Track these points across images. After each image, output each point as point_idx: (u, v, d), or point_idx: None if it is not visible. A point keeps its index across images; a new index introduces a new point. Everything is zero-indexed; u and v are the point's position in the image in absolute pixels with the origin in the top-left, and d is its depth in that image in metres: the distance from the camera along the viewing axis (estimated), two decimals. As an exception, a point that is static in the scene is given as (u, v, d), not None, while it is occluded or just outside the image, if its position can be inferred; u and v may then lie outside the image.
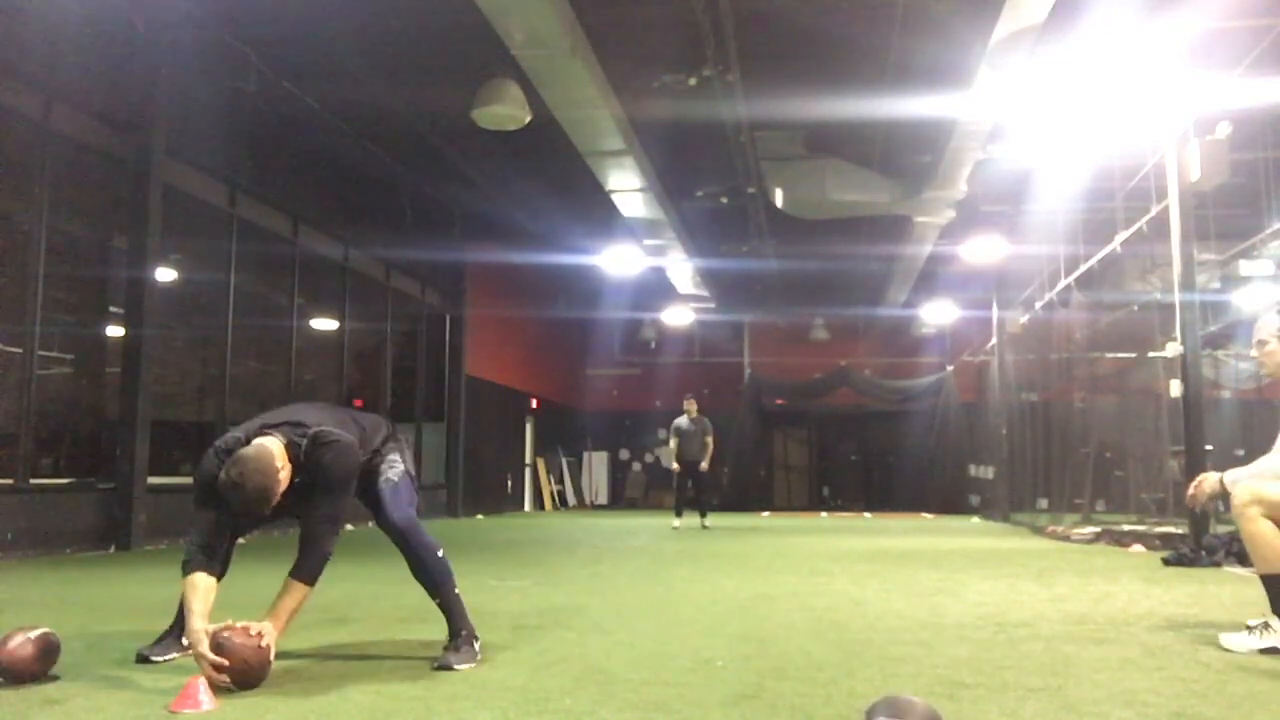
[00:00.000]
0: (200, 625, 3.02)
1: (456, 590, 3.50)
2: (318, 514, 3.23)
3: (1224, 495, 3.86)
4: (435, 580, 3.45)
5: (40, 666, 3.05)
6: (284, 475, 3.13)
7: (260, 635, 2.99)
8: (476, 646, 3.41)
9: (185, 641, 3.38)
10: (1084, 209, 11.84)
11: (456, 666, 3.26)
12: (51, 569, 7.00)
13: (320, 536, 3.22)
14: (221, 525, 3.27)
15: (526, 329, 20.48)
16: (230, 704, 2.73)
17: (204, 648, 2.92)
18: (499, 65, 9.41)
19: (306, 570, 3.18)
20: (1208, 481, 3.89)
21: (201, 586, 3.14)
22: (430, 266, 15.77)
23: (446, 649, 3.38)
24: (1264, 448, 3.82)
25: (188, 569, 3.18)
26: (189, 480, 11.89)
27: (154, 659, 3.39)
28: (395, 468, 3.53)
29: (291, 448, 3.20)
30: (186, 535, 3.26)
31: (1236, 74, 8.97)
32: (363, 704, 2.75)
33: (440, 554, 3.46)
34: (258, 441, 3.15)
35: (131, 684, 3.03)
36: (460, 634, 3.42)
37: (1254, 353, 4.06)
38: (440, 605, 3.48)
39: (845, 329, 23.29)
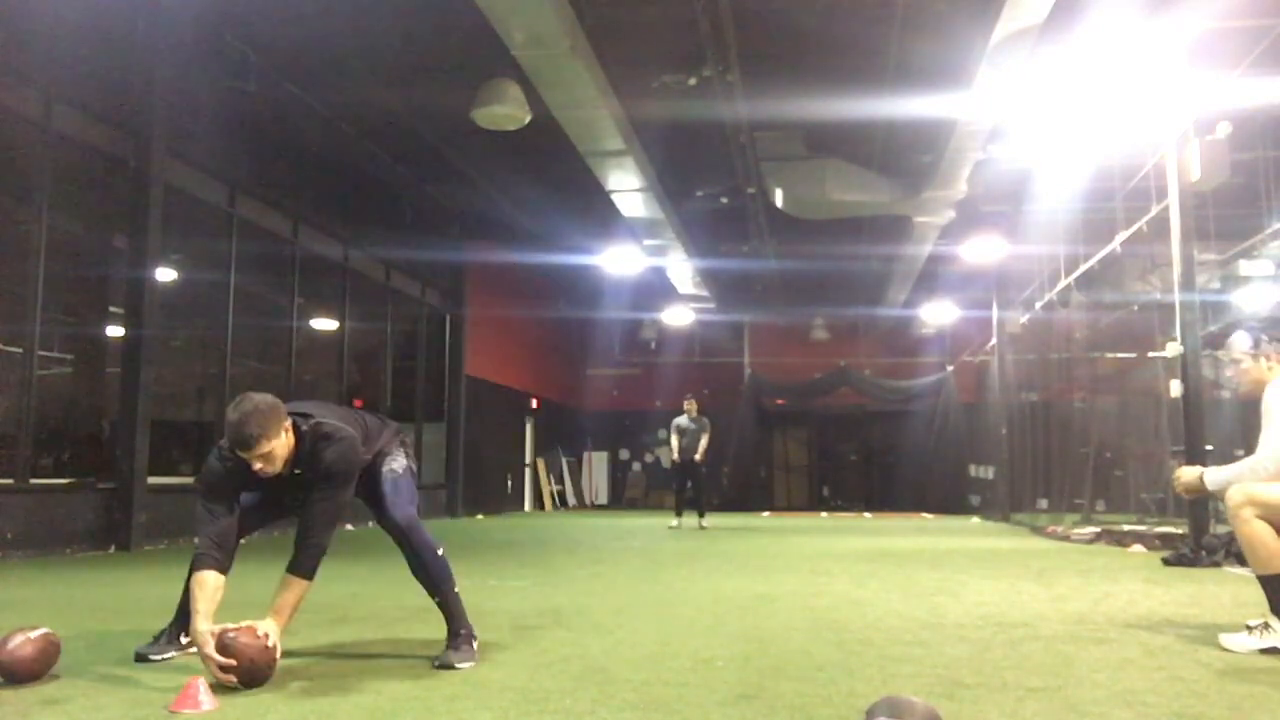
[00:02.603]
0: (205, 626, 3.04)
1: (456, 590, 3.52)
2: (315, 508, 3.25)
3: (1201, 490, 3.87)
4: (435, 579, 3.47)
5: (40, 666, 3.05)
6: (286, 440, 3.21)
7: (266, 635, 3.02)
8: (475, 646, 3.43)
9: (185, 641, 3.41)
10: (1084, 209, 11.83)
11: (458, 665, 3.27)
12: (51, 569, 7.00)
13: (317, 530, 3.23)
14: (231, 522, 3.31)
15: (526, 329, 20.48)
16: (230, 704, 2.73)
17: (210, 649, 2.95)
18: (499, 65, 9.41)
19: (304, 565, 3.20)
20: (1187, 474, 3.90)
21: (210, 585, 3.17)
22: (430, 266, 15.77)
23: (447, 648, 3.40)
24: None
25: (198, 564, 3.21)
26: (189, 480, 11.86)
27: (152, 658, 3.40)
28: (398, 463, 3.57)
29: (295, 430, 3.26)
30: (198, 532, 3.31)
31: (1236, 74, 8.97)
32: (363, 704, 2.75)
33: (440, 553, 3.48)
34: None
35: (131, 684, 3.02)
36: (459, 633, 3.44)
37: (1229, 371, 4.09)
38: (439, 604, 3.50)
39: (845, 329, 23.29)
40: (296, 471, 3.28)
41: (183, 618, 3.46)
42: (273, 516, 3.57)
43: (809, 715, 2.65)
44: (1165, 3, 8.02)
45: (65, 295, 9.10)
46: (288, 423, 3.23)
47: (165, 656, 3.43)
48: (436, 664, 3.29)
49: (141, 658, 3.40)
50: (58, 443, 9.20)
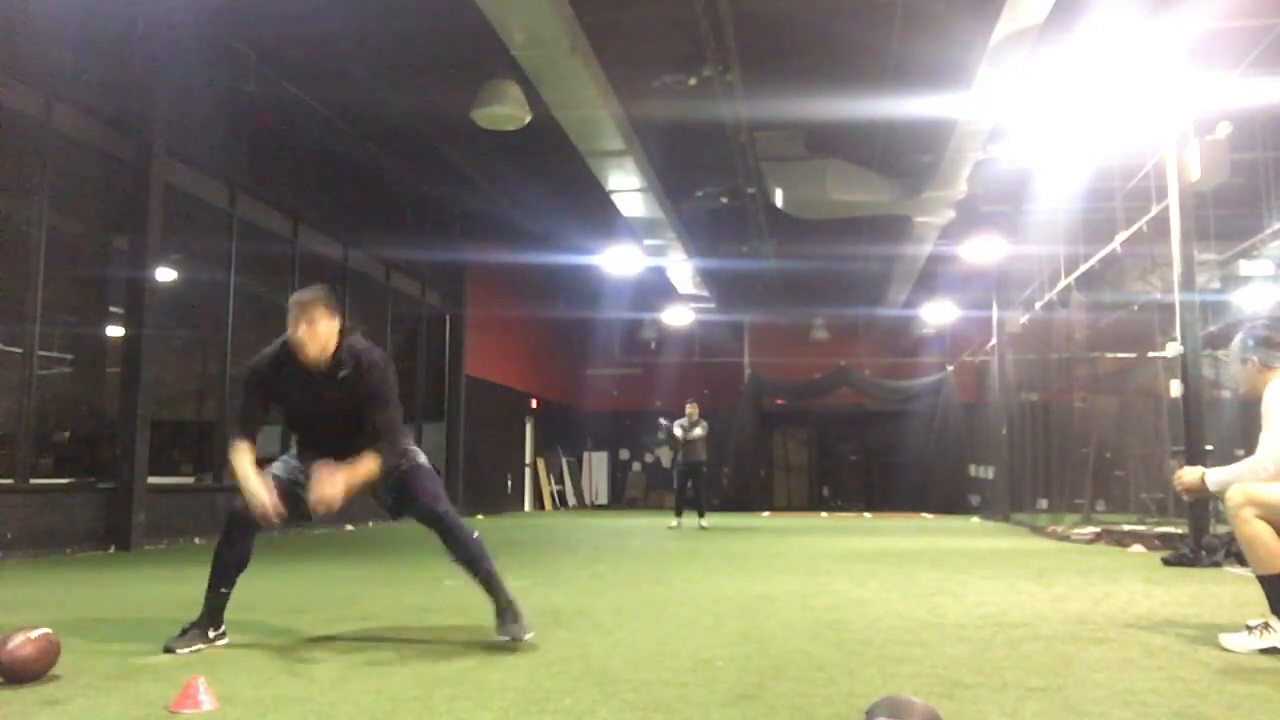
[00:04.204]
0: (254, 480, 3.51)
1: (493, 567, 3.78)
2: (380, 423, 3.63)
3: (1202, 491, 3.87)
4: (475, 559, 3.75)
5: (40, 666, 3.05)
6: (331, 329, 3.59)
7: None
8: (523, 611, 3.73)
9: (213, 635, 3.64)
10: (1084, 209, 11.83)
11: (524, 636, 3.65)
12: (51, 569, 7.00)
13: (390, 435, 3.63)
14: (261, 416, 3.76)
15: (526, 329, 20.48)
16: (230, 704, 2.73)
17: (261, 497, 3.47)
18: (499, 65, 9.41)
19: (384, 445, 3.61)
20: (1187, 474, 3.91)
21: (246, 450, 3.62)
22: (430, 266, 15.76)
23: (501, 625, 3.69)
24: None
25: (231, 439, 3.66)
26: (189, 480, 11.86)
27: (179, 651, 3.48)
28: (422, 459, 3.85)
29: (341, 334, 3.66)
30: (231, 421, 3.91)
31: (1236, 74, 8.97)
32: (363, 704, 2.75)
33: (476, 535, 3.77)
34: None
35: (131, 684, 3.02)
36: (507, 608, 3.72)
37: (1231, 371, 4.10)
38: (481, 582, 3.77)
39: (845, 329, 23.30)
40: (340, 375, 3.61)
41: (209, 613, 3.63)
42: (309, 401, 3.74)
43: (809, 715, 2.65)
44: (1165, 3, 8.02)
45: (65, 295, 9.10)
46: (339, 321, 3.61)
47: (193, 649, 3.52)
48: (508, 639, 3.63)
49: (169, 650, 3.48)
50: (58, 443, 9.19)
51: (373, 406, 3.63)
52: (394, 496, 3.76)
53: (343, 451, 3.62)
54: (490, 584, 3.75)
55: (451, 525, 3.70)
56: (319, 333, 3.55)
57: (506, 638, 3.63)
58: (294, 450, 3.83)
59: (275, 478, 3.67)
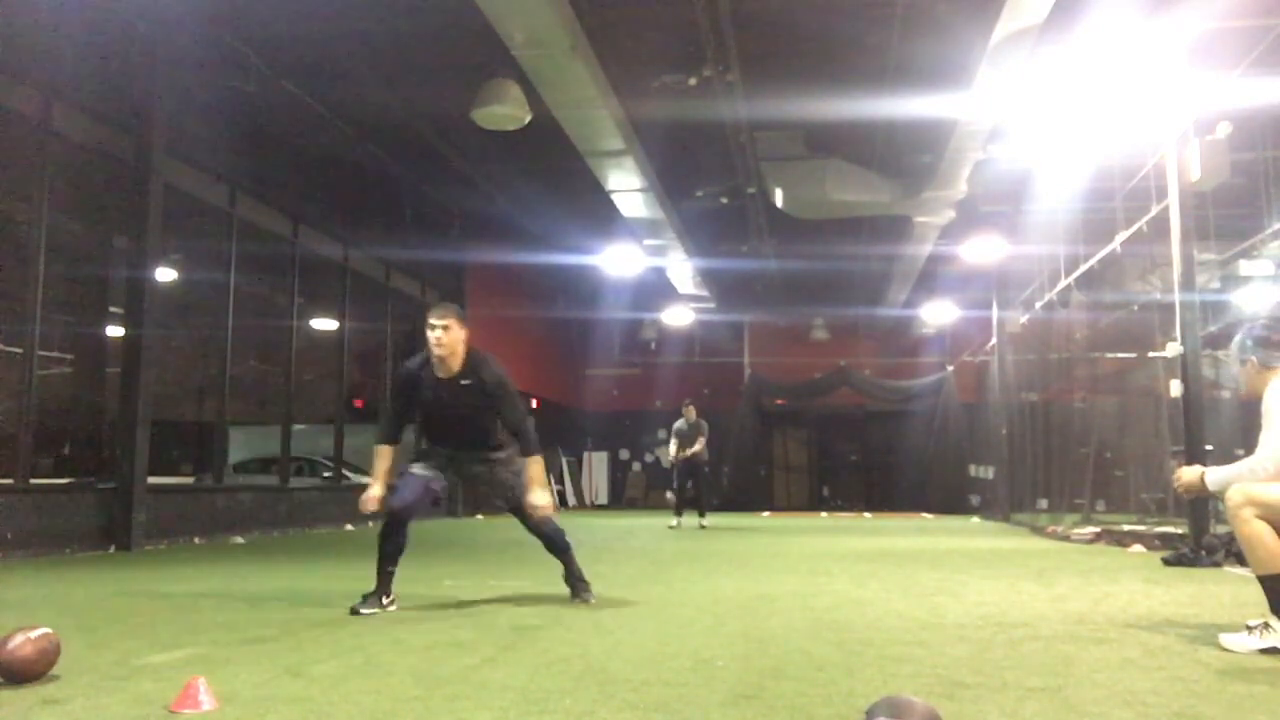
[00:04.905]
0: (379, 482, 4.62)
1: (573, 553, 4.98)
2: (508, 414, 4.69)
3: (1202, 490, 3.87)
4: (561, 548, 4.95)
5: (40, 666, 3.04)
6: (461, 336, 4.50)
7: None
8: (589, 583, 4.96)
9: (386, 601, 4.59)
10: (1084, 209, 11.82)
11: (590, 600, 4.86)
12: (51, 569, 7.00)
13: (520, 424, 4.73)
14: (403, 420, 4.80)
15: (526, 329, 20.47)
16: (230, 704, 2.73)
17: (373, 493, 4.59)
18: (499, 65, 9.41)
19: (531, 446, 4.77)
20: (1187, 474, 3.91)
21: (387, 455, 4.69)
22: (430, 266, 15.76)
23: (575, 594, 4.91)
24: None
25: (378, 442, 4.72)
26: (189, 480, 11.87)
27: (363, 611, 4.47)
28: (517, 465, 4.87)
29: (468, 345, 4.59)
30: (381, 424, 4.85)
31: (1236, 74, 8.97)
32: (363, 704, 2.75)
33: (562, 530, 4.95)
34: None
35: (131, 684, 3.02)
36: (579, 583, 4.94)
37: (1233, 370, 4.10)
38: (564, 563, 4.99)
39: (845, 329, 23.29)
40: (464, 382, 4.53)
41: (382, 585, 4.60)
42: (443, 405, 4.65)
43: (809, 715, 2.65)
44: (1165, 3, 8.02)
45: (65, 295, 9.09)
46: (467, 332, 4.54)
47: (371, 611, 4.49)
48: (579, 601, 4.82)
49: (355, 612, 4.45)
50: (58, 443, 9.19)
51: (509, 414, 4.68)
52: (506, 503, 4.88)
53: (466, 443, 4.74)
54: (568, 566, 4.98)
55: (547, 525, 4.89)
56: (453, 339, 4.47)
57: (578, 601, 4.85)
58: (424, 446, 4.83)
59: (414, 475, 4.70)
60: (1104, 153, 10.40)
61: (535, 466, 4.75)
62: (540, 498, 4.71)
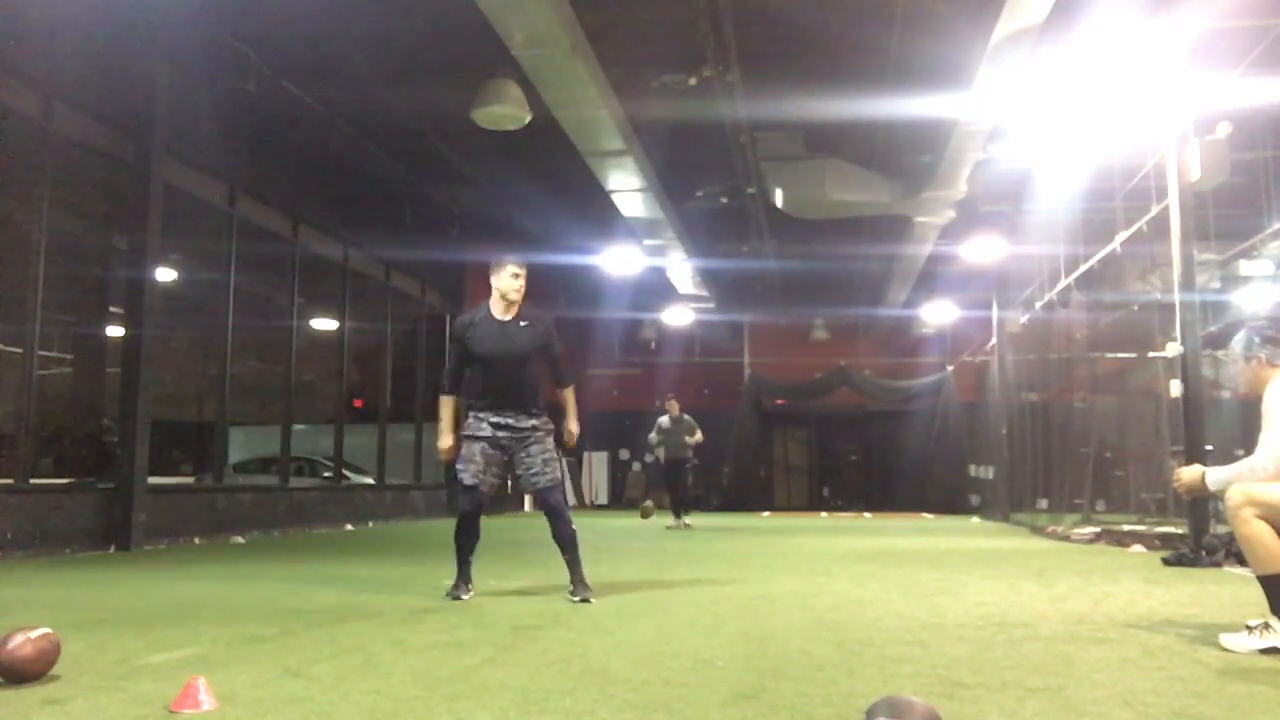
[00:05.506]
0: (449, 431, 5.17)
1: (579, 553, 5.12)
2: (556, 353, 5.29)
3: (1202, 490, 3.87)
4: (569, 545, 5.10)
5: (40, 666, 3.04)
6: (523, 284, 5.11)
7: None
8: (589, 582, 5.07)
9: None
10: (1084, 209, 11.82)
11: (592, 599, 4.91)
12: (51, 569, 7.00)
13: (571, 375, 5.49)
14: (462, 370, 5.21)
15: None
16: (230, 704, 2.73)
17: (447, 442, 5.16)
18: (499, 65, 9.40)
19: (565, 379, 5.42)
20: (1187, 474, 3.91)
21: (450, 405, 5.21)
22: (430, 266, 15.76)
23: (575, 594, 4.97)
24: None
25: (442, 393, 5.23)
26: (189, 480, 11.88)
27: (463, 597, 5.03)
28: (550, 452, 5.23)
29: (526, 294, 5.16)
30: (445, 375, 5.27)
31: (1236, 74, 8.96)
32: (363, 704, 2.75)
33: (573, 523, 5.12)
34: None
35: (131, 684, 3.02)
36: (581, 580, 5.06)
37: (1231, 370, 4.11)
38: (568, 559, 5.09)
39: (845, 329, 23.28)
40: (523, 324, 5.08)
41: (462, 575, 5.16)
42: (498, 344, 5.09)
43: (809, 715, 2.65)
44: (1165, 3, 8.02)
45: (65, 295, 9.10)
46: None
47: (465, 596, 5.06)
48: (578, 599, 4.92)
49: (454, 597, 5.03)
50: (58, 443, 9.20)
51: (554, 350, 5.23)
52: (527, 483, 5.14)
53: (514, 398, 5.08)
54: (573, 562, 5.10)
55: (564, 514, 5.13)
56: (519, 286, 5.06)
57: (577, 599, 4.93)
58: (479, 406, 5.08)
59: (474, 437, 5.04)
60: (1104, 153, 10.40)
61: (570, 396, 5.36)
62: (575, 427, 5.32)
